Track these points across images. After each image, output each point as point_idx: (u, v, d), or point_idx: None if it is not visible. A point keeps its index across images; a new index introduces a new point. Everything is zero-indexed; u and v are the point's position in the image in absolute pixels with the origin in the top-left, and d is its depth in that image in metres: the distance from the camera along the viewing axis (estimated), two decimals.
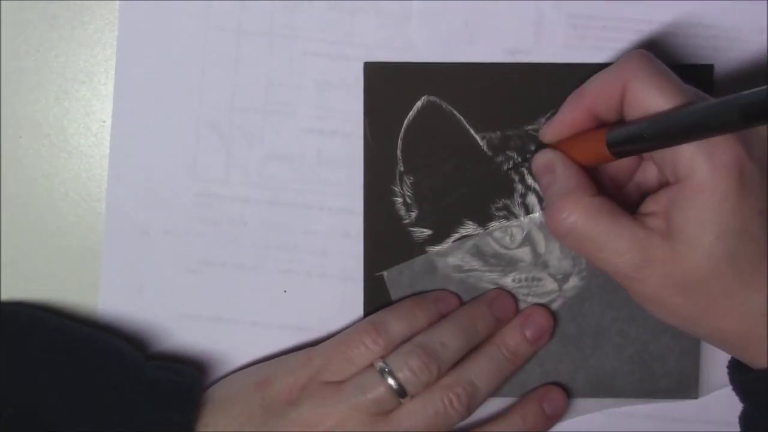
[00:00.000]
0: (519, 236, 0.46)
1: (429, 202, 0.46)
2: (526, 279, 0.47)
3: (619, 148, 0.39)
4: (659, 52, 0.43)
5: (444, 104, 0.46)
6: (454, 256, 0.46)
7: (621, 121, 0.40)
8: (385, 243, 0.47)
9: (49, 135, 0.47)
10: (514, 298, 0.46)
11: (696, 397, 0.47)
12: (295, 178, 0.46)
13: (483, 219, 0.46)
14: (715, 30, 0.45)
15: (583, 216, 0.39)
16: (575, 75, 0.44)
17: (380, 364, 0.43)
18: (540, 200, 0.46)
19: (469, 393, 0.43)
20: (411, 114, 0.46)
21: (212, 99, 0.46)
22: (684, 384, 0.47)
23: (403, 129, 0.46)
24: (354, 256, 0.47)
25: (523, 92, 0.45)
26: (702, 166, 0.36)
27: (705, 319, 0.38)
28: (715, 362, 0.47)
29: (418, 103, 0.46)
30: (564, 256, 0.46)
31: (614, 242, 0.38)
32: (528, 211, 0.46)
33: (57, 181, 0.47)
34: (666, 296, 0.38)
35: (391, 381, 0.43)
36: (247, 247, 0.47)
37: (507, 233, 0.46)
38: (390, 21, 0.45)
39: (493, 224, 0.46)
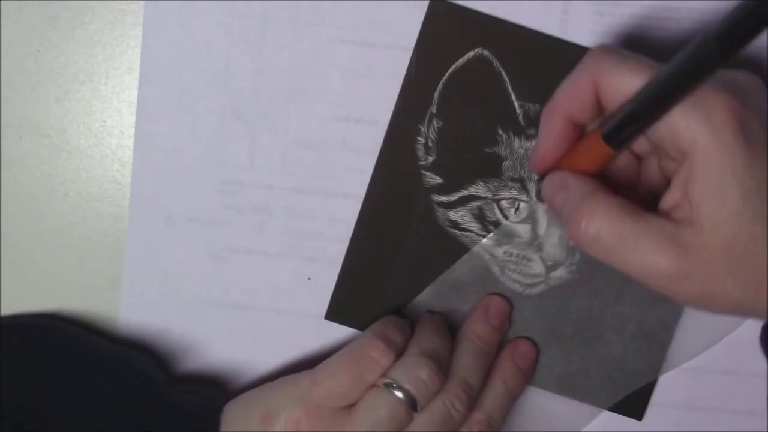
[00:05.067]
0: (524, 212, 0.46)
1: (449, 151, 0.46)
2: (517, 255, 0.46)
3: (617, 138, 0.37)
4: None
5: (495, 62, 0.45)
6: (455, 212, 0.46)
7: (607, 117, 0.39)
8: (395, 178, 0.46)
9: (49, 135, 0.47)
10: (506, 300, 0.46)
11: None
12: (320, 165, 0.46)
13: (495, 185, 0.46)
14: None
15: (606, 219, 0.36)
16: None
17: (385, 380, 0.42)
18: None
19: (467, 393, 0.43)
20: (460, 61, 0.45)
21: (237, 86, 0.46)
22: None
23: (447, 73, 0.45)
24: None
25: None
26: (702, 131, 0.35)
27: (760, 293, 0.35)
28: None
29: (470, 53, 0.45)
30: (560, 245, 0.46)
31: (645, 241, 0.35)
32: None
33: (57, 181, 0.47)
34: (715, 285, 0.35)
35: (399, 394, 0.41)
36: (271, 234, 0.47)
37: (514, 205, 0.46)
38: (416, 9, 0.45)
39: (504, 193, 0.46)
